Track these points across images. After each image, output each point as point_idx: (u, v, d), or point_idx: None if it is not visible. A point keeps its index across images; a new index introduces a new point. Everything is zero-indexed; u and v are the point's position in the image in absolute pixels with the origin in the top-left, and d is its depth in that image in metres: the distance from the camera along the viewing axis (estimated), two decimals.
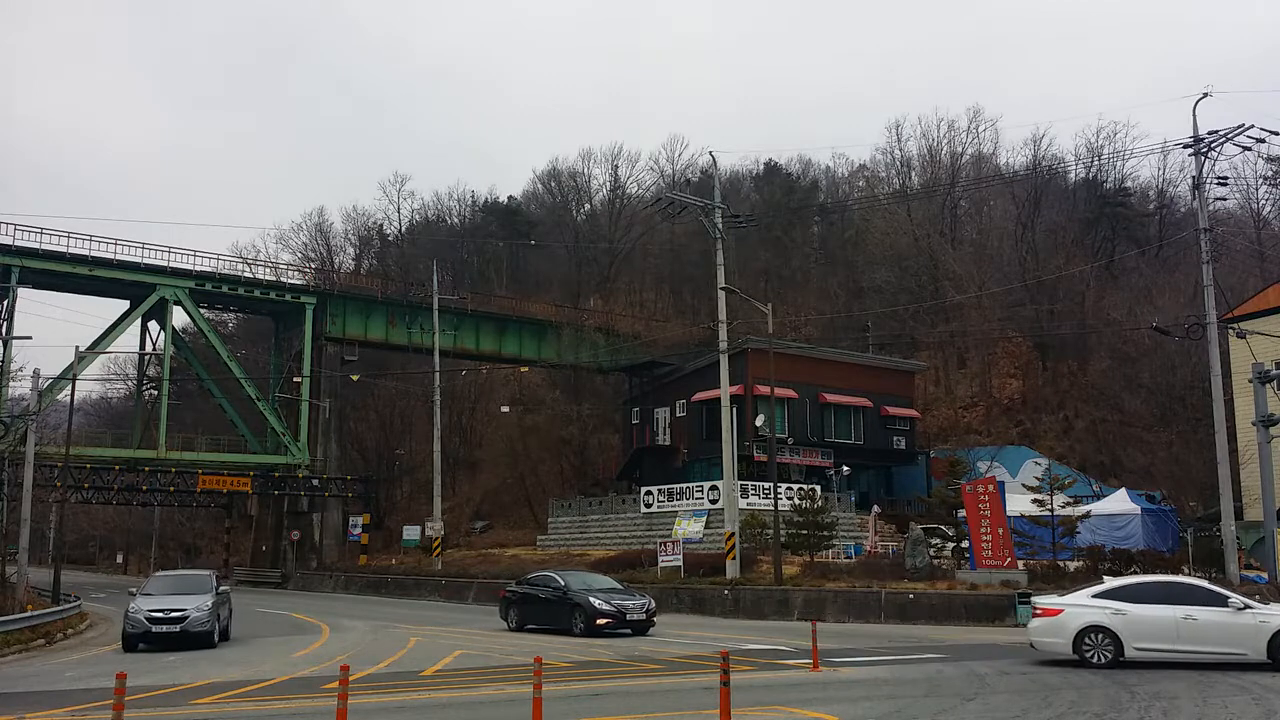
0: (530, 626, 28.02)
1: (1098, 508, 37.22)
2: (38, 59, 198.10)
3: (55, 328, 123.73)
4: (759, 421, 49.07)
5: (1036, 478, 37.57)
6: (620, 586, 28.76)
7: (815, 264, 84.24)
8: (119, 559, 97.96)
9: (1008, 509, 31.77)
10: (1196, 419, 49.16)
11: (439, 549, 54.14)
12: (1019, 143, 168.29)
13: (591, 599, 26.14)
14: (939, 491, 37.92)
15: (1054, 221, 70.89)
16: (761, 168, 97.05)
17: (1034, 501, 33.66)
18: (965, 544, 33.25)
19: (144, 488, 63.67)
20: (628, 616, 25.91)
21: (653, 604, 27.10)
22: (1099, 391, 61.16)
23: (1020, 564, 31.15)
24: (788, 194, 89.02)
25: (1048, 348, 65.39)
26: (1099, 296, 64.28)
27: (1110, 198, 74.56)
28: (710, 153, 44.86)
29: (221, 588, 26.39)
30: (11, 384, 52.57)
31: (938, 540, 35.69)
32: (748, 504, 43.74)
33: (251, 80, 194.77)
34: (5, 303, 56.05)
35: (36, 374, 41.69)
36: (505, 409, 70.52)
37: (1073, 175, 77.69)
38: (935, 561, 33.93)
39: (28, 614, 29.71)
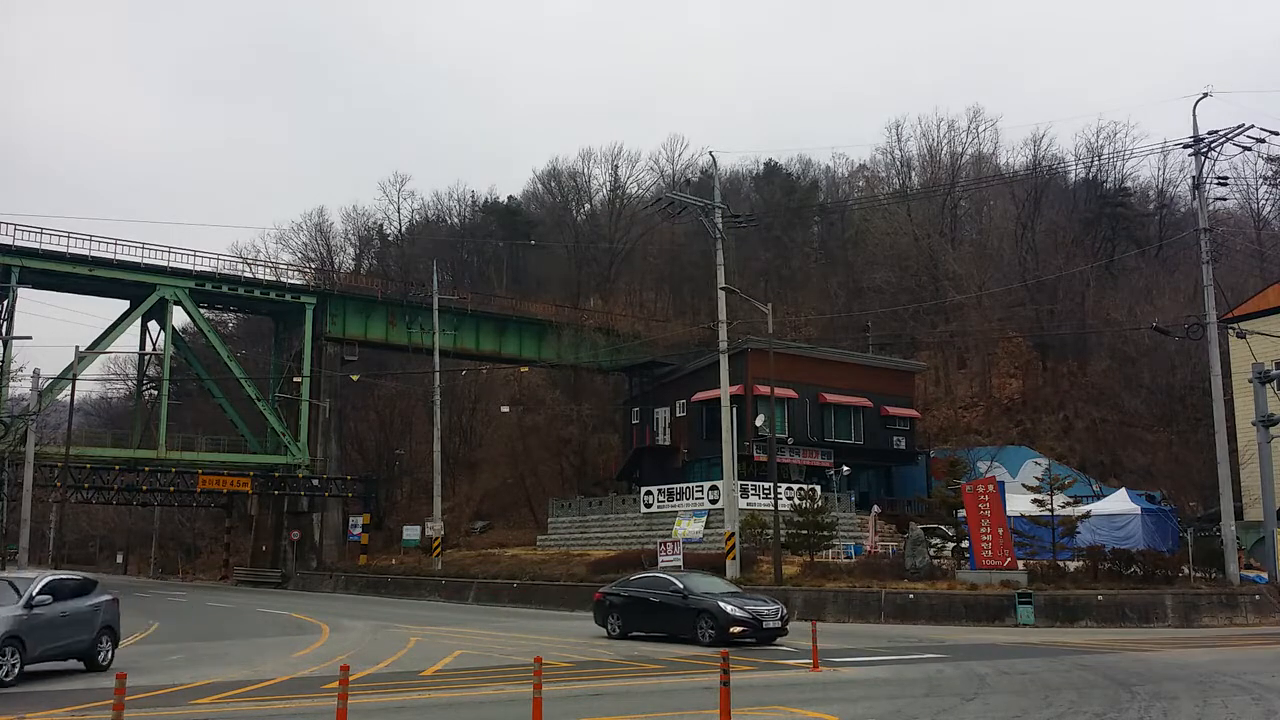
0: (636, 634, 24.92)
1: (1098, 508, 37.23)
2: (37, 58, 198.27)
3: (55, 328, 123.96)
4: (759, 421, 49.08)
5: (1036, 478, 37.63)
6: (739, 589, 26.42)
7: (815, 264, 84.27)
8: (119, 559, 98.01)
9: (1007, 509, 31.79)
10: (1196, 419, 49.20)
11: (439, 549, 54.13)
12: (1019, 143, 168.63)
13: (722, 604, 23.23)
14: (939, 491, 37.93)
15: (1054, 221, 70.93)
16: (761, 168, 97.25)
17: (1034, 501, 33.67)
18: (965, 544, 33.26)
19: (144, 488, 63.70)
20: (764, 624, 22.98)
21: (784, 610, 24.26)
22: (1099, 391, 61.20)
23: (1020, 564, 31.17)
24: (788, 194, 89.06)
25: (1048, 348, 65.42)
26: (1099, 296, 64.32)
27: (1110, 198, 74.60)
28: (710, 153, 44.83)
29: (38, 597, 18.27)
30: (11, 384, 52.68)
31: (938, 540, 35.70)
32: (748, 504, 43.74)
33: (251, 80, 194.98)
34: (5, 303, 56.03)
35: (36, 374, 41.84)
36: (505, 409, 70.51)
37: (1073, 175, 77.82)
38: (935, 561, 33.95)
39: None
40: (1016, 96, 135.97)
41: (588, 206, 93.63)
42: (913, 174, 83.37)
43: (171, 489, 64.68)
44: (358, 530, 63.63)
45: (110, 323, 62.15)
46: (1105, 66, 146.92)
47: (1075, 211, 73.28)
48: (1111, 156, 72.34)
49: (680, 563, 37.90)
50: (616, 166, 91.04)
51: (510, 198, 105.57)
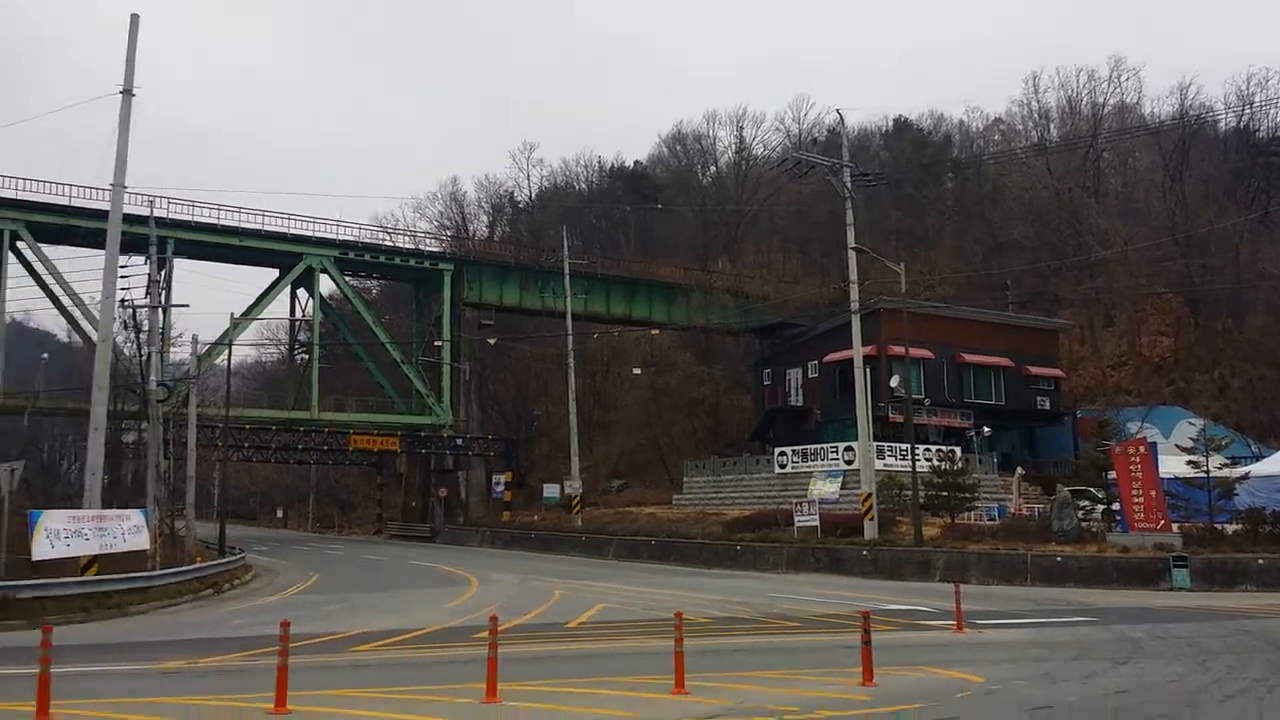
0: None
1: (1257, 469, 35.65)
2: (188, 34, 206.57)
3: (211, 296, 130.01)
4: (894, 383, 48.34)
5: (1191, 439, 36.10)
6: None
7: (950, 221, 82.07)
8: (279, 514, 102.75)
9: (1160, 471, 30.69)
10: None
11: (579, 507, 55.26)
12: (1164, 92, 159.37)
13: None
14: (1087, 453, 36.82)
15: (1204, 173, 67.45)
16: (891, 124, 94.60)
17: (1188, 463, 32.43)
18: (1115, 506, 32.28)
19: (299, 447, 66.42)
20: None
21: None
22: (1256, 348, 58.16)
23: (1175, 527, 30.09)
24: (919, 150, 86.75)
25: (1200, 304, 62.47)
26: (1254, 250, 61.05)
27: (1264, 147, 70.45)
28: (837, 110, 44.36)
29: None
30: (173, 349, 55.66)
31: (1086, 503, 34.66)
32: (884, 465, 43.16)
33: (387, 54, 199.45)
34: (163, 273, 58.89)
35: (195, 340, 44.12)
36: (637, 371, 71.16)
37: (1223, 124, 73.69)
38: (1083, 524, 33.01)
39: (196, 565, 31.63)
40: (1160, 44, 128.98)
41: (713, 169, 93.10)
42: (1051, 126, 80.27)
43: (325, 448, 67.25)
44: (500, 487, 65.37)
45: (262, 290, 64.93)
46: (1252, 11, 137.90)
47: (1226, 162, 69.66)
48: (1264, 104, 68.30)
49: (817, 523, 37.88)
50: (741, 128, 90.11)
51: (636, 162, 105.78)
